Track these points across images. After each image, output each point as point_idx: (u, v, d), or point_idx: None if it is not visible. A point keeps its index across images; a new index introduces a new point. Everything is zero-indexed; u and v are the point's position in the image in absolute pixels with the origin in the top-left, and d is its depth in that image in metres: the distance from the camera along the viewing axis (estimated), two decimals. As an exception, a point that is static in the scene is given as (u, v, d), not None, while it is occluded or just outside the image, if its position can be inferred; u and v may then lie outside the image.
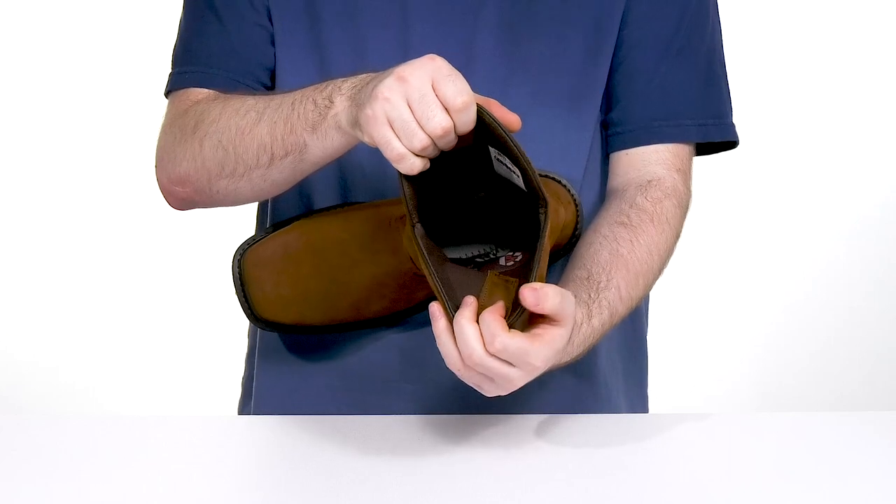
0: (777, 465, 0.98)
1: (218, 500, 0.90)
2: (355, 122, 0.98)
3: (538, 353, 0.90)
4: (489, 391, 0.94)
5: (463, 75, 0.96)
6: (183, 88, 1.21)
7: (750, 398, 2.95)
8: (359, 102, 0.98)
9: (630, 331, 1.26)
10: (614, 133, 1.19)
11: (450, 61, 1.07)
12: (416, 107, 0.93)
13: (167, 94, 1.24)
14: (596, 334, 1.04)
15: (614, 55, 1.18)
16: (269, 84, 1.21)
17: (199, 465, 0.98)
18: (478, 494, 0.91)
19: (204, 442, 1.03)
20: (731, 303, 3.01)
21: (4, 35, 2.88)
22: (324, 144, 1.04)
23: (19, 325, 2.96)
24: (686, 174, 1.20)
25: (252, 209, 1.30)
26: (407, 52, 1.13)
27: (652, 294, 1.24)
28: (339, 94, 1.01)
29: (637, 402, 1.29)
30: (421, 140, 0.92)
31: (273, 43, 1.19)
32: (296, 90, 1.08)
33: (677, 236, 1.17)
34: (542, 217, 0.94)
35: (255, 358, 1.25)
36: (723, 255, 2.94)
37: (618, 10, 1.16)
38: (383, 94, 0.94)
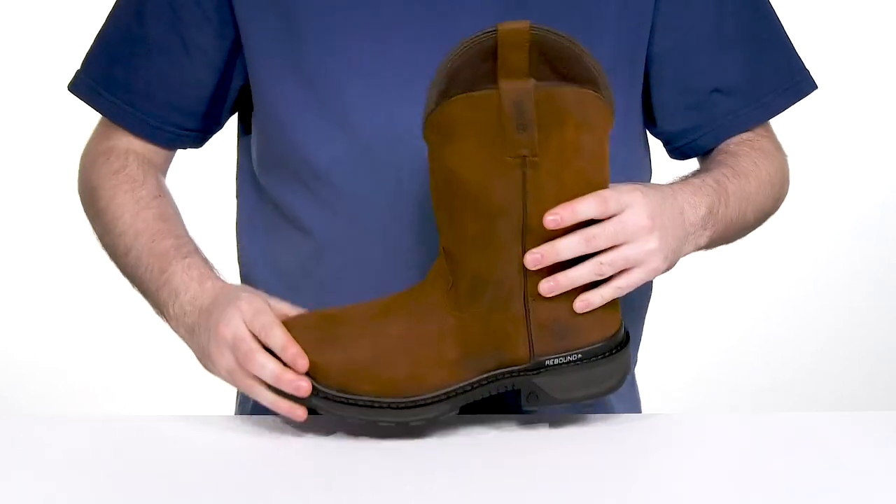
0: (776, 465, 0.98)
1: (218, 500, 0.90)
2: None
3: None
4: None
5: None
6: (105, 120, 1.22)
7: (750, 398, 2.94)
8: (204, 352, 1.02)
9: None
10: (692, 140, 1.20)
11: (436, 63, 1.05)
12: (246, 364, 0.97)
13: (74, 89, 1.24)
14: (719, 224, 1.16)
15: (653, 69, 1.16)
16: (201, 117, 1.19)
17: (199, 465, 0.98)
18: (477, 494, 0.91)
19: (204, 442, 1.03)
20: (731, 302, 3.01)
21: (4, 35, 2.88)
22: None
23: (19, 325, 2.96)
24: (771, 138, 1.23)
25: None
26: (390, 58, 1.10)
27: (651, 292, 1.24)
28: (184, 332, 1.05)
29: (631, 402, 1.28)
30: (286, 382, 0.96)
31: (221, 71, 1.16)
32: (149, 261, 1.09)
33: (784, 172, 1.24)
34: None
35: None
36: (722, 254, 2.93)
37: (608, 12, 1.13)
38: (215, 357, 0.99)
